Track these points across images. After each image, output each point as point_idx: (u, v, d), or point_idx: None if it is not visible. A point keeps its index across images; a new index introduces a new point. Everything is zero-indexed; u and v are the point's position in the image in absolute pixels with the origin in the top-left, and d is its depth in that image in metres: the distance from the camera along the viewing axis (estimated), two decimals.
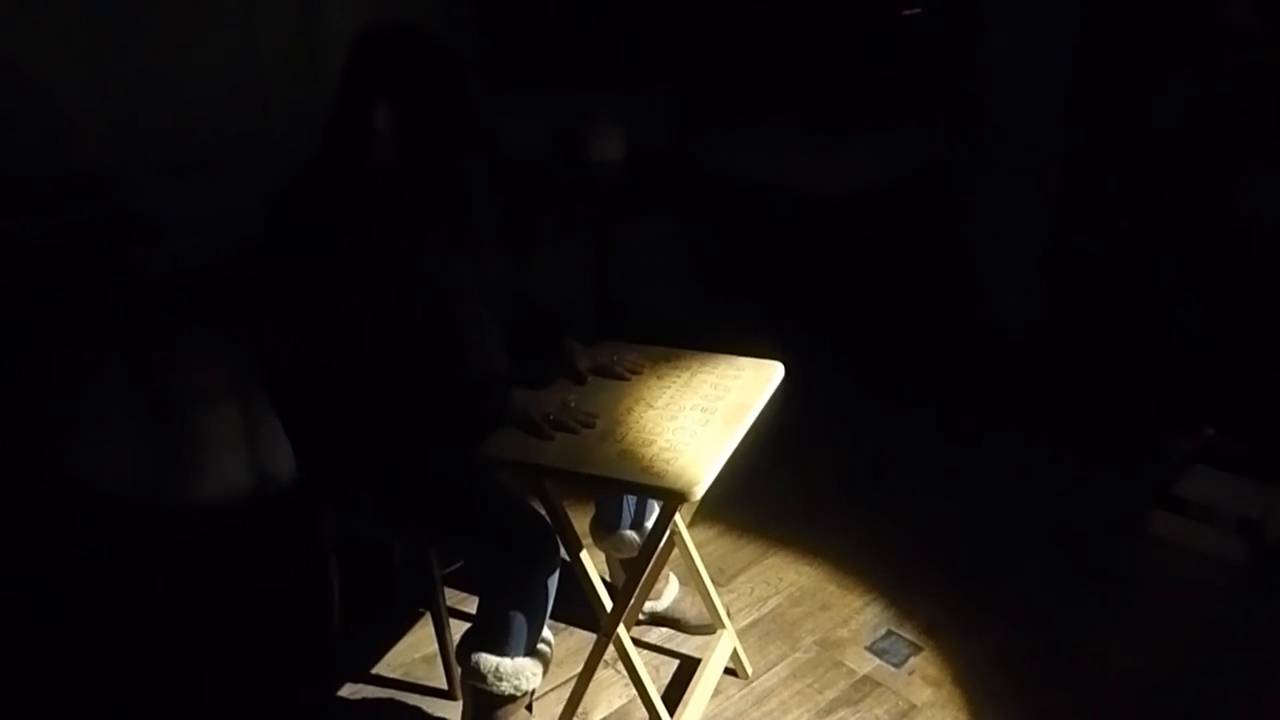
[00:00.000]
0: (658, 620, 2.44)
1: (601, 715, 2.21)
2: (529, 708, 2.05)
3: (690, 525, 2.26)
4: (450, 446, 1.94)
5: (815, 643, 2.40)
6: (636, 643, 2.16)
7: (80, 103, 2.52)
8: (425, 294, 1.92)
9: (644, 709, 2.00)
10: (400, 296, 1.89)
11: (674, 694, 2.22)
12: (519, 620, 1.91)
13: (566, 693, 2.09)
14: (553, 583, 1.93)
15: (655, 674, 2.30)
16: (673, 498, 1.74)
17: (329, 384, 1.94)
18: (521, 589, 1.91)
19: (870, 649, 2.38)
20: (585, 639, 2.32)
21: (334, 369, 1.90)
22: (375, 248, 1.87)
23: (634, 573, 1.96)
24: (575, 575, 1.91)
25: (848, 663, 2.34)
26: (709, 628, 2.35)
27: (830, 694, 2.25)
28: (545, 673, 2.01)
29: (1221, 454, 2.86)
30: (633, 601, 1.97)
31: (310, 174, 1.92)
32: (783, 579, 2.62)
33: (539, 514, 1.91)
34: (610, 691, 2.26)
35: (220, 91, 2.72)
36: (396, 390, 1.89)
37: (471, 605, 2.02)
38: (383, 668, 2.36)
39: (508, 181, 3.13)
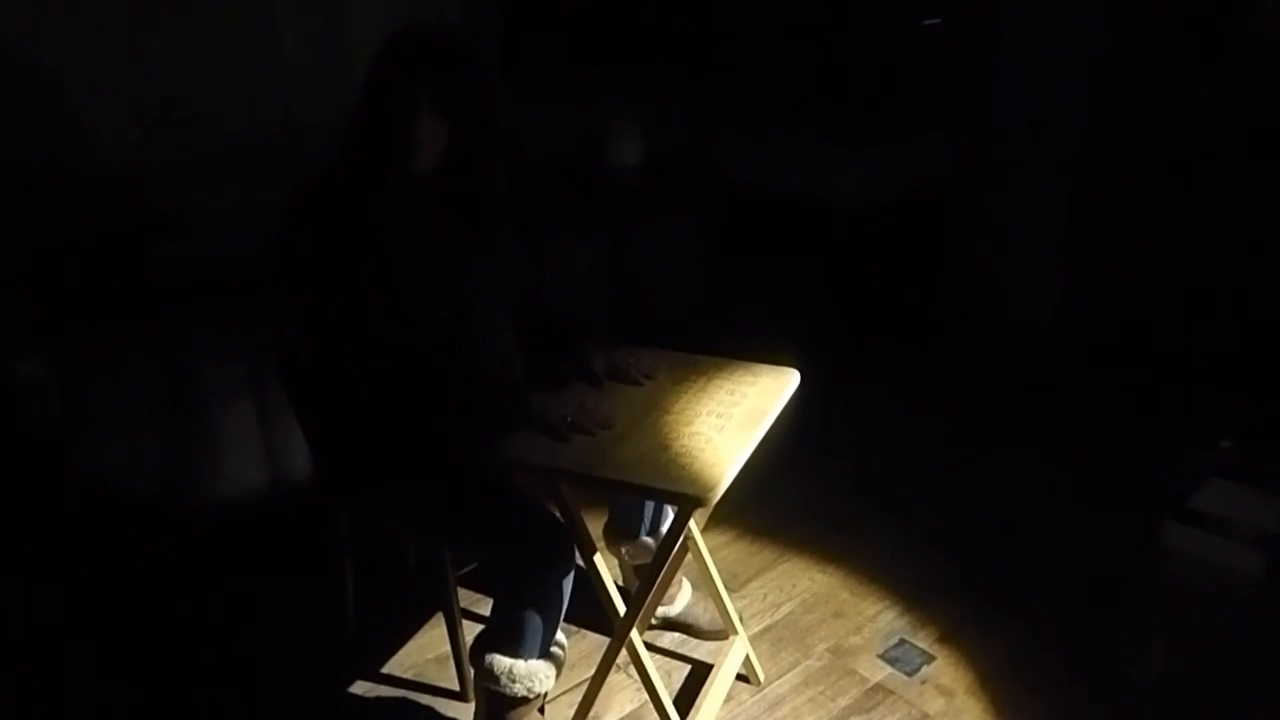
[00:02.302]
0: (670, 625, 2.44)
1: (613, 719, 2.21)
2: (541, 710, 2.05)
3: (704, 530, 2.26)
4: (467, 448, 1.94)
5: (828, 650, 2.40)
6: (649, 647, 2.16)
7: (105, 99, 2.54)
8: (445, 296, 1.93)
9: (656, 714, 2.00)
10: (420, 298, 1.89)
11: (686, 699, 2.22)
12: (533, 622, 1.91)
13: (579, 696, 2.09)
14: (567, 585, 1.93)
15: (667, 679, 2.30)
16: (688, 503, 1.74)
17: (347, 384, 1.95)
18: (536, 591, 1.91)
19: (883, 657, 2.37)
20: (598, 642, 2.32)
21: (353, 369, 1.91)
22: (396, 250, 1.87)
23: (647, 577, 1.96)
24: (589, 579, 1.92)
25: (860, 670, 2.33)
26: (721, 633, 2.35)
27: (842, 702, 2.25)
28: (558, 675, 2.01)
29: (1239, 467, 2.84)
30: (646, 606, 1.98)
31: (332, 175, 1.93)
32: (796, 585, 2.62)
33: (554, 516, 1.92)
34: (622, 696, 2.26)
35: (244, 88, 2.74)
36: (415, 392, 1.89)
37: (485, 606, 2.03)
38: (395, 668, 2.36)
39: (527, 183, 3.14)
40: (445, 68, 1.87)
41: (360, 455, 2.01)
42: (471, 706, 2.15)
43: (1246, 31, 3.16)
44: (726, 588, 2.29)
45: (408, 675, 2.34)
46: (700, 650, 2.40)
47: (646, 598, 1.95)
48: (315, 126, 2.76)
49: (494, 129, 1.92)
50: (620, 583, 2.44)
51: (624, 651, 1.94)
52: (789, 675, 2.33)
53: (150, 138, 2.59)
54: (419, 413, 1.92)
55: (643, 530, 2.30)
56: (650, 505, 2.28)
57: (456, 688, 2.26)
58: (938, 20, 3.73)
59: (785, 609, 2.54)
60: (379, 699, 2.29)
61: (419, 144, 1.88)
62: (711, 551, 2.26)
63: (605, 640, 1.99)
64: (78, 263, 2.49)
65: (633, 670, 2.03)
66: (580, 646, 2.36)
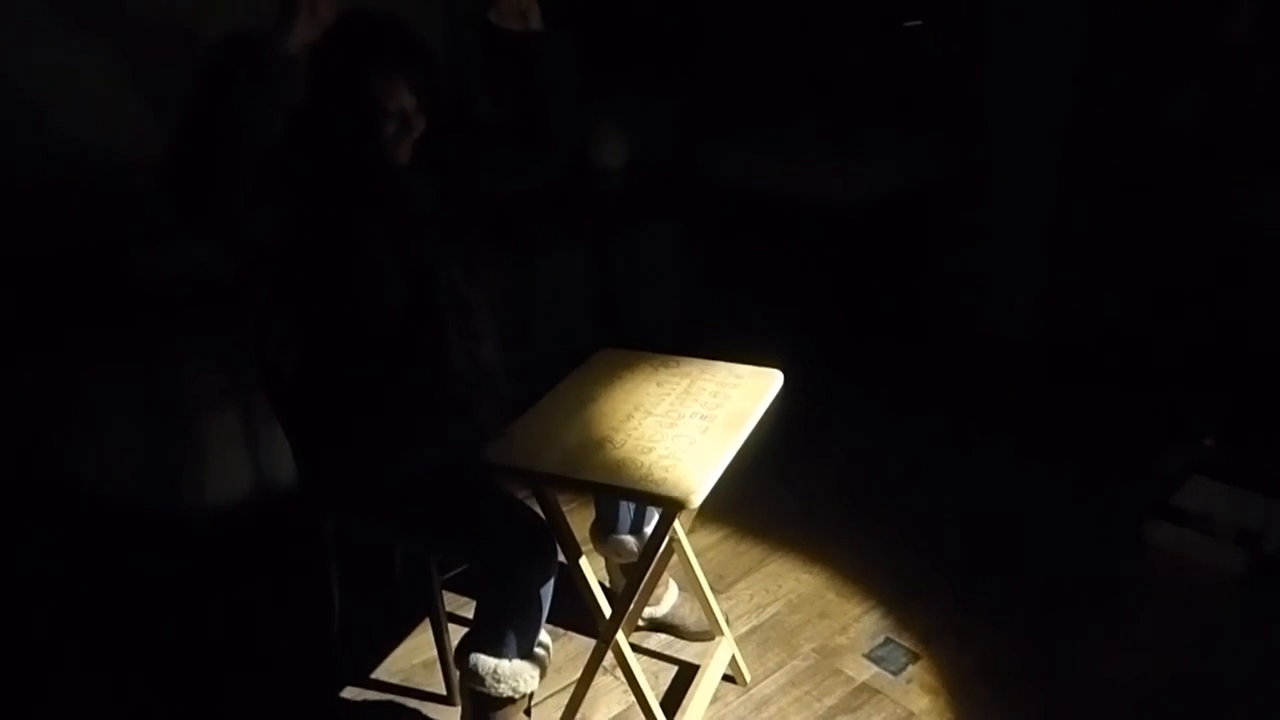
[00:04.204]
0: (657, 626, 2.45)
1: None
2: (527, 712, 2.05)
3: (690, 531, 2.27)
4: (449, 450, 1.95)
5: (814, 650, 2.41)
6: (635, 649, 2.17)
7: (83, 106, 2.53)
8: (409, 269, 1.93)
9: (642, 715, 2.00)
10: (389, 281, 1.90)
11: (672, 700, 2.23)
12: (516, 623, 1.91)
13: (565, 699, 2.09)
14: (549, 586, 1.93)
15: (654, 680, 2.31)
16: (671, 505, 1.74)
17: (329, 383, 1.95)
18: (518, 592, 1.91)
19: (868, 656, 2.38)
20: (584, 645, 2.32)
21: (336, 362, 1.91)
22: (373, 233, 1.88)
23: (633, 579, 1.97)
24: (574, 580, 1.92)
25: (846, 670, 2.34)
26: (708, 634, 2.36)
27: (828, 701, 2.26)
28: (543, 676, 2.02)
29: (1221, 465, 2.87)
30: (632, 607, 1.98)
31: (299, 162, 1.90)
32: (782, 586, 2.63)
33: (537, 517, 1.92)
34: (609, 698, 2.26)
35: None
36: (389, 377, 1.90)
37: (472, 609, 2.03)
38: (382, 673, 2.36)
39: (509, 184, 3.14)
40: (419, 57, 1.86)
41: (343, 459, 2.01)
42: (459, 710, 2.15)
43: (1226, 34, 3.18)
44: (713, 588, 2.30)
45: (395, 680, 2.34)
46: (687, 651, 2.41)
47: (632, 599, 1.95)
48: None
49: (447, 116, 1.93)
50: (608, 583, 2.45)
51: (610, 653, 1.94)
52: (775, 675, 2.34)
53: (130, 145, 2.58)
54: (393, 398, 1.92)
55: (629, 529, 2.31)
56: (635, 505, 2.28)
57: (444, 692, 2.27)
58: (919, 22, 3.74)
59: (771, 609, 2.55)
60: (366, 703, 2.29)
61: (410, 135, 1.87)
62: (698, 552, 2.26)
63: (591, 642, 1.99)
64: (59, 270, 2.48)
65: (619, 672, 2.03)
66: (567, 649, 2.36)
